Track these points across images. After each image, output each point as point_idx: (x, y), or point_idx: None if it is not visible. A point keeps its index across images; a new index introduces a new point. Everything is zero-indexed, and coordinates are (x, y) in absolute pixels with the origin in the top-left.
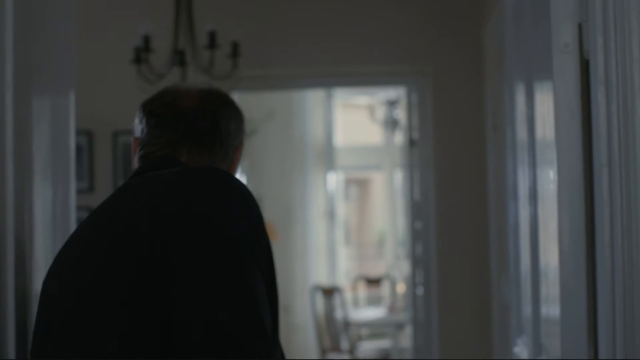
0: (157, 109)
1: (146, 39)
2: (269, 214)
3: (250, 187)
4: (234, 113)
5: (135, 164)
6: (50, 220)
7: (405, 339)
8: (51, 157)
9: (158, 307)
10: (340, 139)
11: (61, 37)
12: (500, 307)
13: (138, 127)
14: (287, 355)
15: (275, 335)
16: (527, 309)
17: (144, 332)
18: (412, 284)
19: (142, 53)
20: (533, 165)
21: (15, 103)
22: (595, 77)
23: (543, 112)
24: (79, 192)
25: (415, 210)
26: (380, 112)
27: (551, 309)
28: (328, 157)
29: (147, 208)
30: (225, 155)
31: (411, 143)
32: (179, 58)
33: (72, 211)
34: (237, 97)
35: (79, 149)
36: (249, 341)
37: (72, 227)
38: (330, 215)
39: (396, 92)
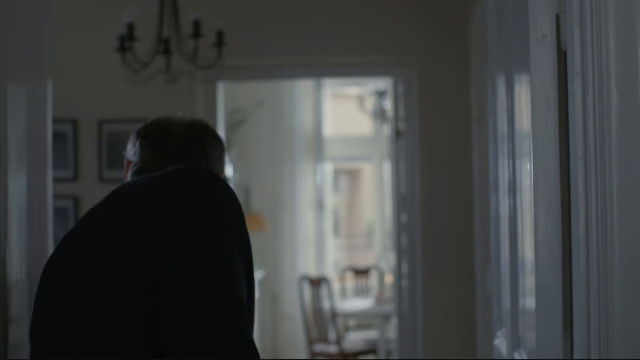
0: (150, 133)
1: (130, 27)
2: (257, 204)
3: (239, 178)
4: (218, 142)
5: (129, 179)
6: (25, 210)
7: (392, 330)
8: (27, 146)
9: (148, 276)
10: (329, 129)
11: (38, 23)
12: (483, 298)
13: (131, 151)
14: (275, 344)
15: (249, 321)
16: (506, 301)
17: (134, 302)
18: (398, 275)
19: (126, 41)
20: (512, 157)
21: None
22: (572, 69)
23: (522, 104)
24: (64, 180)
25: (401, 202)
26: (370, 103)
27: (528, 302)
28: (317, 147)
29: (142, 196)
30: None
31: (397, 134)
32: (163, 46)
33: (48, 201)
34: (222, 86)
35: (63, 138)
36: (225, 317)
37: (49, 217)
38: (319, 205)
39: (385, 83)
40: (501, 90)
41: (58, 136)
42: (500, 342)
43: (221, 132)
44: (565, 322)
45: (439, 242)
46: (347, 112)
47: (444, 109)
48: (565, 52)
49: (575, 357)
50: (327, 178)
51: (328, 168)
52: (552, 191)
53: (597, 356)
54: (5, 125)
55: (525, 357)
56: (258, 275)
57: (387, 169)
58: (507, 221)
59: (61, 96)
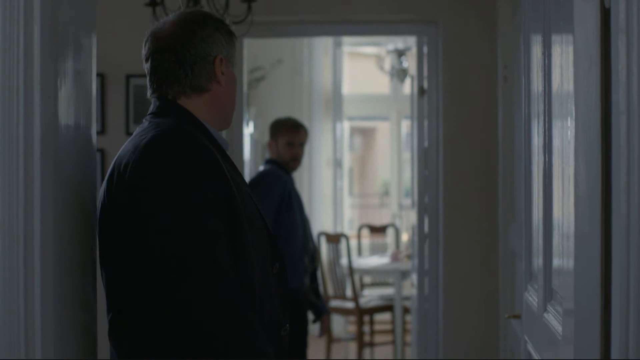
0: (145, 54)
1: None
2: None
3: (257, 135)
4: (199, 31)
5: None
6: (72, 162)
7: (408, 288)
8: (74, 99)
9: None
10: (347, 88)
11: None
12: (506, 254)
13: None
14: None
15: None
16: (538, 255)
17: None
18: (420, 232)
19: None
20: (548, 115)
21: (42, 38)
22: (616, 26)
23: (560, 63)
24: None
25: (423, 159)
26: (388, 62)
27: (564, 255)
28: (336, 106)
29: (125, 155)
30: (203, 75)
31: (421, 92)
32: (193, 1)
33: (93, 152)
34: (246, 43)
35: None
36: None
37: (94, 166)
38: (337, 164)
39: (404, 42)
40: (536, 48)
41: None
42: (531, 295)
43: (244, 88)
44: (602, 274)
45: (462, 199)
46: (365, 72)
47: (469, 67)
48: (609, 10)
49: (613, 307)
50: (345, 137)
51: (345, 127)
52: (592, 147)
53: (637, 306)
54: (55, 76)
55: (559, 309)
56: None
57: (405, 128)
58: (542, 179)
59: None
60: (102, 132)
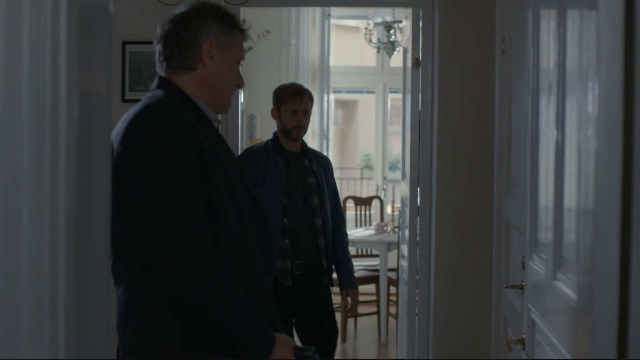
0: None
1: None
2: (262, 132)
3: (242, 105)
4: (193, 18)
5: None
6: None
7: (393, 259)
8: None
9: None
10: (333, 60)
11: None
12: (501, 225)
13: None
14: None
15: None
16: (547, 225)
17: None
18: (412, 204)
19: None
20: (562, 89)
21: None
22: None
23: (578, 36)
24: None
25: (417, 131)
26: (376, 35)
27: (579, 227)
28: (323, 78)
29: (118, 125)
30: (189, 56)
31: (416, 64)
32: None
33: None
34: (241, 13)
35: None
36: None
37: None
38: (325, 136)
39: (393, 15)
40: (547, 22)
41: None
42: (537, 264)
43: None
44: (622, 249)
45: (456, 171)
46: (352, 44)
47: (465, 39)
48: None
49: (632, 278)
50: (331, 109)
51: (332, 99)
52: (614, 118)
53: None
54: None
55: (572, 277)
56: None
57: (391, 101)
58: (553, 153)
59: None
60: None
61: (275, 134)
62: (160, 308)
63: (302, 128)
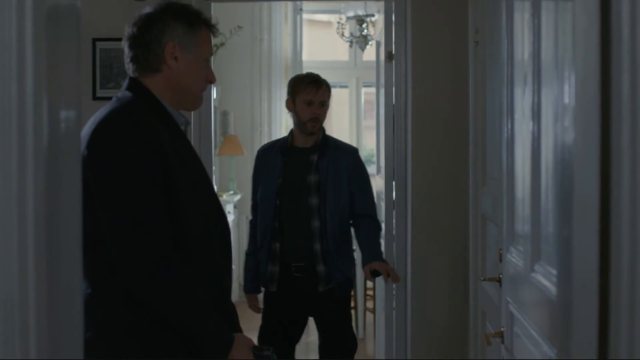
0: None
1: None
2: (235, 127)
3: (215, 102)
4: (156, 20)
5: None
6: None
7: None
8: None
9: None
10: (306, 55)
11: None
12: (477, 218)
13: None
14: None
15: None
16: (523, 217)
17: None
18: (387, 198)
19: None
20: (538, 80)
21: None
22: None
23: (554, 26)
24: None
25: (391, 125)
26: (348, 29)
27: (557, 218)
28: (296, 72)
29: (88, 128)
30: (152, 57)
31: (389, 57)
32: None
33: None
34: (211, 8)
35: None
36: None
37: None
38: None
39: (365, 9)
40: (521, 14)
41: None
42: (514, 256)
43: None
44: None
45: (431, 164)
46: (324, 39)
47: (438, 31)
48: None
49: (612, 270)
50: None
51: None
52: (591, 107)
53: (635, 268)
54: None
55: (550, 269)
56: (234, 198)
57: (364, 95)
58: (530, 145)
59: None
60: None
61: (291, 131)
62: (120, 307)
63: (319, 120)
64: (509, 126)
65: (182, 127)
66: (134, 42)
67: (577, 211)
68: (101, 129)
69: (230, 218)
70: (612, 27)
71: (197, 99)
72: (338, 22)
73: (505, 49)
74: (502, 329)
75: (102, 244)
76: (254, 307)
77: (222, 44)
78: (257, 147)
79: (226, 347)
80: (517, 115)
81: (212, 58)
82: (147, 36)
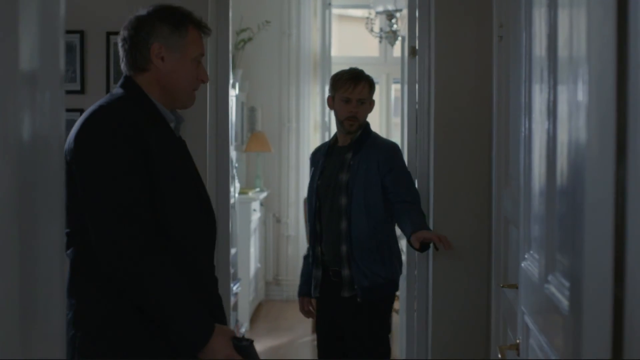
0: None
1: None
2: (262, 124)
3: (243, 97)
4: (144, 22)
5: None
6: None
7: None
8: (39, 60)
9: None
10: (335, 51)
11: None
12: (499, 220)
13: None
14: (278, 265)
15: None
16: (540, 223)
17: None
18: None
19: None
20: (554, 77)
21: None
22: None
23: (569, 22)
24: (71, 93)
25: (414, 123)
26: (378, 24)
27: (570, 224)
28: (325, 68)
29: (78, 123)
30: (140, 57)
31: (412, 52)
32: None
33: (61, 115)
34: (232, 2)
35: (70, 50)
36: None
37: (64, 131)
38: (326, 127)
39: (394, 4)
40: (539, 9)
41: (66, 47)
42: (529, 265)
43: (229, 50)
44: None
45: (453, 164)
46: (353, 34)
47: (462, 26)
48: None
49: (627, 283)
50: None
51: None
52: (606, 105)
53: None
54: (16, 34)
55: (563, 281)
56: (260, 195)
57: (394, 92)
58: (545, 145)
59: (69, 6)
60: (81, 91)
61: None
62: (99, 296)
63: (356, 119)
64: (527, 125)
65: (172, 125)
66: (125, 43)
67: (589, 217)
68: (87, 123)
69: (256, 216)
70: (629, 19)
71: (187, 97)
72: (367, 17)
73: (523, 43)
74: (517, 341)
75: (81, 235)
76: (303, 311)
77: (250, 39)
78: (284, 144)
79: (205, 335)
80: (534, 113)
81: (240, 53)
82: (135, 38)
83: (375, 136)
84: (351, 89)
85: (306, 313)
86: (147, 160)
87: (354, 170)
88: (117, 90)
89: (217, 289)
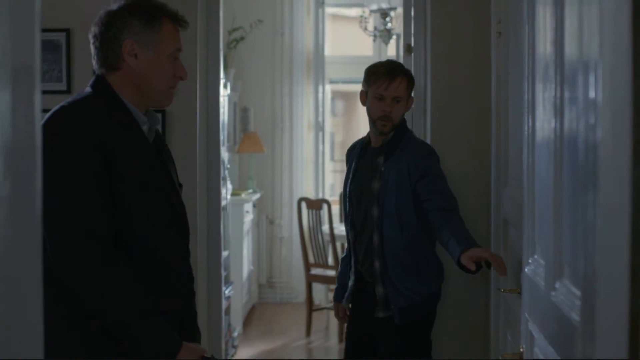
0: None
1: None
2: (255, 124)
3: (235, 97)
4: (114, 17)
5: None
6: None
7: None
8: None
9: None
10: (329, 50)
11: None
12: (498, 222)
13: None
14: (271, 267)
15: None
16: (547, 226)
17: None
18: None
19: None
20: (561, 75)
21: None
22: None
23: (578, 18)
24: (57, 93)
25: (410, 121)
26: (372, 23)
27: (582, 228)
28: (318, 68)
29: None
30: (111, 55)
31: (408, 49)
32: None
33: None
34: (224, 1)
35: (56, 48)
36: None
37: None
38: (319, 128)
39: (388, 2)
40: (543, 10)
41: (51, 46)
42: (534, 270)
43: (220, 49)
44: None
45: (451, 163)
46: (347, 33)
47: (459, 22)
48: None
49: None
50: (327, 100)
51: (326, 90)
52: (622, 105)
53: None
54: None
55: (573, 289)
56: (253, 197)
57: None
58: (552, 145)
59: (54, 3)
60: (67, 91)
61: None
62: (58, 308)
63: (390, 120)
64: (530, 123)
65: (144, 128)
66: (96, 40)
67: (603, 221)
68: (46, 125)
69: (249, 217)
70: None
71: (164, 96)
72: (361, 16)
73: (526, 38)
74: (521, 350)
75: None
76: (337, 316)
77: (242, 39)
78: (278, 144)
79: (170, 353)
80: (539, 112)
81: (232, 52)
82: (105, 35)
83: (410, 137)
84: (385, 84)
85: (341, 319)
86: (109, 166)
87: (385, 178)
88: (86, 89)
89: (194, 303)
